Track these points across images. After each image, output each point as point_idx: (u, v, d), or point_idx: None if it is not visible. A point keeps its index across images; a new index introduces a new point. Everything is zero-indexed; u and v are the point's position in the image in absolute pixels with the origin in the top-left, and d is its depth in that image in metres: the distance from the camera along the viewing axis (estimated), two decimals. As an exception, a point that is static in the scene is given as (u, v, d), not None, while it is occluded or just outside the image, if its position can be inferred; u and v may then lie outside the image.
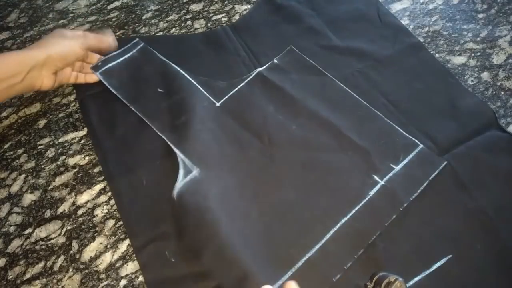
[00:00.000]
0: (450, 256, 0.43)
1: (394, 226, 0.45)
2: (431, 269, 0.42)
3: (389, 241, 0.44)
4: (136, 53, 0.61)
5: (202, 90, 0.56)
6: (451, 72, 0.57)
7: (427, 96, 0.55)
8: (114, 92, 0.56)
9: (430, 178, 0.47)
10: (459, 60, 0.59)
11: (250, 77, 0.57)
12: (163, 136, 0.52)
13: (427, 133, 0.51)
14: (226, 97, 0.55)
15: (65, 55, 0.50)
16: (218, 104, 0.55)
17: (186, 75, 0.57)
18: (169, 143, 0.51)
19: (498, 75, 0.57)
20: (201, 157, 0.49)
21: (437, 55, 0.59)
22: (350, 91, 0.55)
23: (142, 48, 0.61)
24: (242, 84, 0.56)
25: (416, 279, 0.42)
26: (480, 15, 0.63)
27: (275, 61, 0.59)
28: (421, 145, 0.49)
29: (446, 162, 0.48)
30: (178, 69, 0.58)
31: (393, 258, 0.43)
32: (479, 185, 0.47)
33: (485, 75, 0.57)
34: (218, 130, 0.52)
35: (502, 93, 0.55)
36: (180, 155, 0.49)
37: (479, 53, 0.59)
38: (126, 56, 0.60)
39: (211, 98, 0.55)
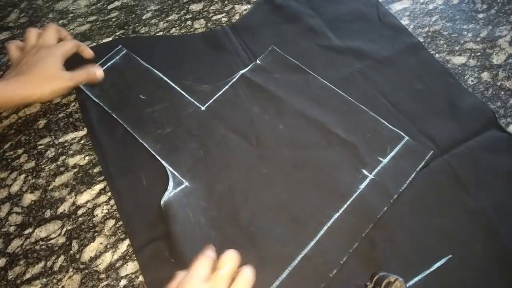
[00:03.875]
0: (450, 256, 0.43)
1: (394, 226, 0.45)
2: (431, 269, 0.42)
3: (389, 241, 0.44)
4: (118, 60, 0.61)
5: (186, 95, 0.56)
6: (451, 72, 0.57)
7: (427, 96, 0.55)
8: (96, 100, 0.57)
9: (418, 169, 0.48)
10: (459, 60, 0.59)
11: (234, 79, 0.57)
12: (144, 143, 0.52)
13: (427, 133, 0.51)
14: (211, 101, 0.55)
15: (55, 95, 0.53)
16: (203, 108, 0.55)
17: (168, 81, 0.58)
18: (153, 153, 0.51)
19: (498, 75, 0.57)
20: (190, 169, 0.50)
21: (437, 55, 0.59)
22: (333, 87, 0.55)
23: (124, 54, 0.62)
24: (227, 87, 0.57)
25: (416, 279, 0.42)
26: (480, 15, 0.63)
27: (258, 61, 0.59)
28: (407, 137, 0.50)
29: (432, 151, 0.49)
30: (161, 75, 0.58)
31: (393, 258, 0.43)
32: (479, 185, 0.47)
33: (485, 75, 0.57)
34: (205, 135, 0.52)
35: (502, 93, 0.55)
36: (168, 168, 0.50)
37: (479, 53, 0.59)
38: (108, 64, 0.61)
39: (195, 102, 0.55)
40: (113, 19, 0.69)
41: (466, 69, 0.58)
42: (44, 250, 0.47)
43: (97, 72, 0.56)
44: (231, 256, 0.39)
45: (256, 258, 0.43)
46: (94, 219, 0.49)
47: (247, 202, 0.47)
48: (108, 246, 0.47)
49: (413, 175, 0.47)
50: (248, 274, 0.39)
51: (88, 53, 0.59)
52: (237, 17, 0.67)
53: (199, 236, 0.44)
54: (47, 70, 0.51)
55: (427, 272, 0.42)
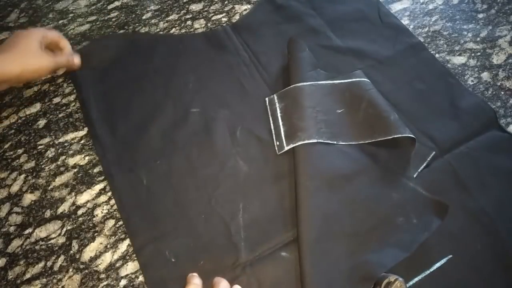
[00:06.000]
0: (450, 256, 0.43)
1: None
2: (431, 269, 0.42)
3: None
4: None
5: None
6: (451, 72, 0.57)
7: (428, 96, 0.55)
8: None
9: (419, 170, 0.49)
10: (459, 60, 0.59)
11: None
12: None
13: (427, 133, 0.51)
14: (284, 150, 0.52)
15: (38, 71, 0.52)
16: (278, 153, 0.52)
17: None
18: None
19: (498, 75, 0.57)
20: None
21: (437, 55, 0.59)
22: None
23: None
24: None
25: (416, 279, 0.42)
26: (480, 15, 0.63)
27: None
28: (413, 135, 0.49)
29: (434, 152, 0.50)
30: None
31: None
32: (479, 185, 0.47)
33: (485, 75, 0.57)
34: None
35: (502, 93, 0.55)
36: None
37: (479, 53, 0.59)
38: None
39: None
40: (113, 19, 0.69)
41: (466, 69, 0.58)
42: (44, 250, 0.47)
43: (75, 59, 0.56)
44: (223, 284, 0.40)
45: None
46: (94, 219, 0.49)
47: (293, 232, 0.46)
48: (108, 246, 0.47)
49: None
50: None
51: (63, 43, 0.57)
52: (237, 17, 0.67)
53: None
54: (28, 48, 0.51)
55: (427, 272, 0.42)
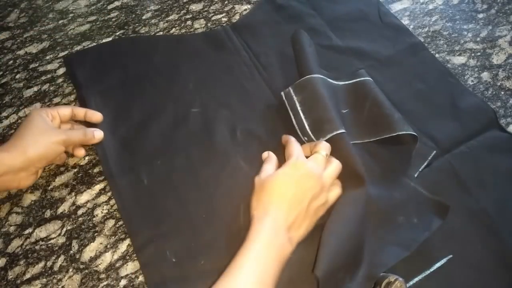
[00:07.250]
0: (450, 256, 0.43)
1: (395, 226, 0.45)
2: (431, 269, 0.42)
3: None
4: None
5: None
6: (451, 72, 0.57)
7: (428, 96, 0.55)
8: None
9: (420, 169, 0.49)
10: (459, 60, 0.59)
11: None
12: None
13: (428, 133, 0.51)
14: None
15: (45, 155, 0.46)
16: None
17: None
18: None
19: (498, 75, 0.57)
20: None
21: (437, 55, 0.59)
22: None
23: None
24: None
25: (416, 279, 0.42)
26: (480, 15, 0.64)
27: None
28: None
29: (434, 151, 0.50)
30: None
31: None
32: (479, 185, 0.47)
33: (485, 75, 0.57)
34: None
35: (502, 93, 0.55)
36: None
37: (479, 53, 0.59)
38: None
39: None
40: (113, 19, 0.69)
41: (466, 69, 0.58)
42: (44, 250, 0.47)
43: (96, 133, 0.51)
44: (326, 145, 0.46)
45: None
46: (94, 219, 0.49)
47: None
48: (108, 246, 0.47)
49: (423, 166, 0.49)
50: (337, 163, 0.45)
51: (96, 117, 0.53)
52: (237, 17, 0.67)
53: None
54: (27, 130, 0.45)
55: (428, 272, 0.42)
